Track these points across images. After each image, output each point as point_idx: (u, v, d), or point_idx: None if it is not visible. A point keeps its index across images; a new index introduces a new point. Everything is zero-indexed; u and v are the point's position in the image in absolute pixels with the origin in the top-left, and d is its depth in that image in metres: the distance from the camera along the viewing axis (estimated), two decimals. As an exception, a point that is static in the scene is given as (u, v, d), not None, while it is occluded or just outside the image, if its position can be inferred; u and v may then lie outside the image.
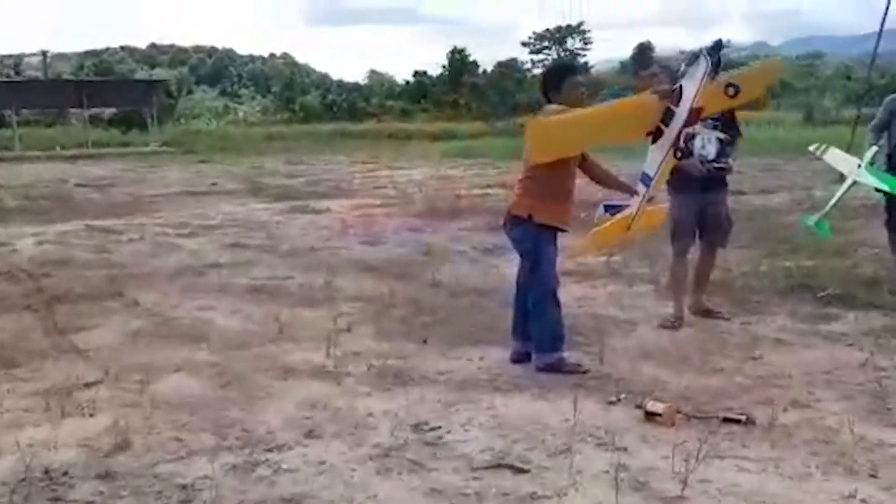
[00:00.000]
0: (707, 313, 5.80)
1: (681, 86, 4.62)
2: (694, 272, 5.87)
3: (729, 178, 5.77)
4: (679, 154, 4.88)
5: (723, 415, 3.85)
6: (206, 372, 4.79)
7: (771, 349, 5.01)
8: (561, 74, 4.88)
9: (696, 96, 4.55)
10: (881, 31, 16.00)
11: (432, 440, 3.74)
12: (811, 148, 7.17)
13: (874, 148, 6.60)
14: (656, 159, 4.86)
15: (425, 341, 5.35)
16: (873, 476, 3.24)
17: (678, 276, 5.78)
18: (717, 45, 4.59)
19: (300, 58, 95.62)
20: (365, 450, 3.65)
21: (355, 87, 56.53)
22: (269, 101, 54.98)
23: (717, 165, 5.51)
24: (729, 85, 4.72)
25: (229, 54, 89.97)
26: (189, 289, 7.12)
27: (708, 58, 4.52)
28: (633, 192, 4.95)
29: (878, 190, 6.66)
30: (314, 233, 10.50)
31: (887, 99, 6.84)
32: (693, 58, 4.66)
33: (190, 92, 57.88)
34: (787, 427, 3.75)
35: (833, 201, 6.73)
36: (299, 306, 6.38)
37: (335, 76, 67.39)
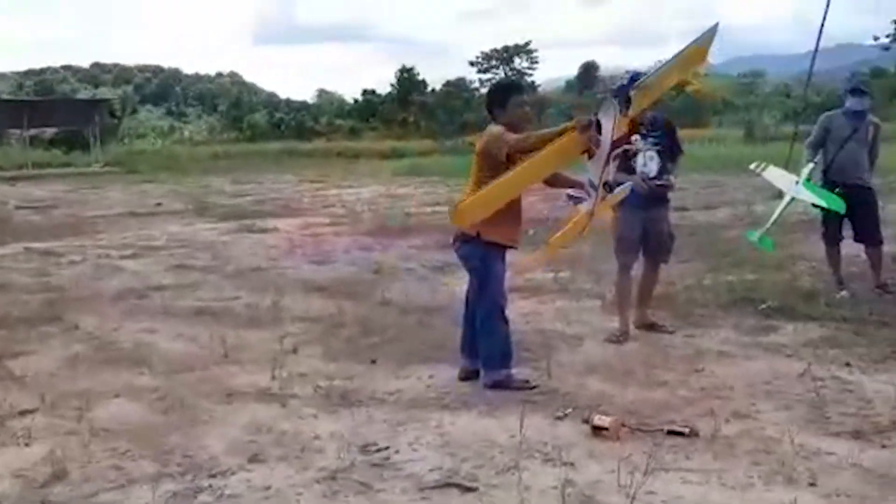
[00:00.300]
0: (651, 327, 5.88)
1: (599, 120, 4.61)
2: (638, 287, 5.96)
3: (672, 194, 5.89)
4: (608, 189, 4.98)
5: (667, 427, 3.90)
6: (147, 397, 4.68)
7: (713, 361, 5.10)
8: (506, 93, 4.91)
9: (611, 134, 4.63)
10: (816, 50, 16.54)
11: (380, 461, 3.71)
12: (751, 166, 7.35)
13: (811, 164, 6.80)
14: (595, 171, 4.83)
15: (374, 361, 5.32)
16: (812, 484, 3.31)
17: (623, 290, 5.86)
18: (623, 87, 4.67)
19: (248, 76, 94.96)
20: (311, 473, 3.60)
21: (303, 105, 56.32)
22: (215, 121, 54.39)
23: (658, 182, 5.61)
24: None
25: (175, 73, 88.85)
26: (131, 311, 6.97)
27: (615, 102, 4.60)
28: (583, 187, 4.91)
29: (815, 205, 6.85)
30: (261, 253, 10.38)
31: (822, 117, 7.07)
32: (602, 100, 4.82)
33: (134, 111, 57.02)
34: (729, 438, 3.81)
35: (774, 217, 6.91)
36: (245, 328, 6.29)
37: (283, 95, 67.12)
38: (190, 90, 78.14)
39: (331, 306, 6.87)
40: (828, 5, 16.10)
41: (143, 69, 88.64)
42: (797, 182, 6.72)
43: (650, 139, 5.61)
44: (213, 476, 3.58)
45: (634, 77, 4.77)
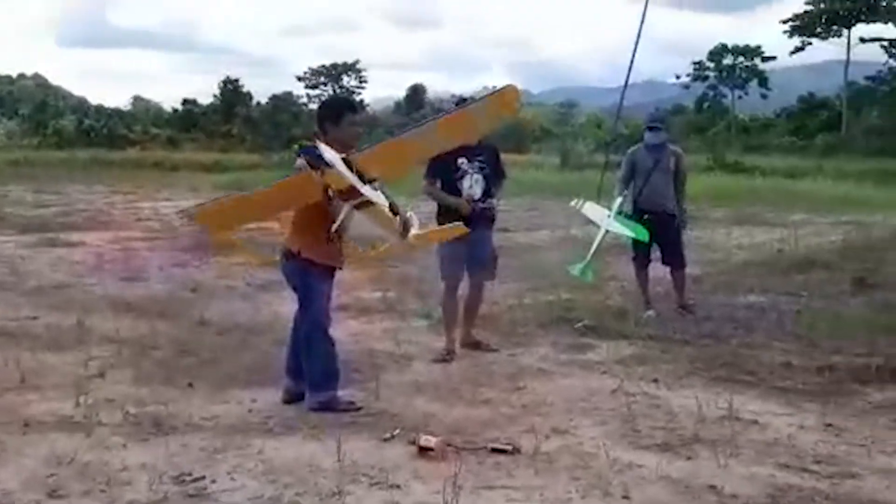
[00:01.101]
0: (476, 346, 5.99)
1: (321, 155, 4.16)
2: (463, 306, 6.06)
3: (496, 216, 6.05)
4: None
5: (491, 445, 3.95)
6: (-75, 429, 4.16)
7: (534, 379, 5.26)
8: (341, 110, 4.76)
9: (324, 188, 4.29)
10: (626, 85, 17.77)
11: (195, 492, 3.49)
12: (571, 203, 7.69)
13: (620, 199, 7.24)
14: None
15: (190, 385, 5.03)
16: (626, 497, 3.46)
17: (449, 310, 5.93)
18: (311, 150, 4.14)
19: (54, 80, 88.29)
20: (118, 507, 3.33)
21: (117, 112, 53.24)
22: (16, 125, 50.20)
23: (482, 205, 5.76)
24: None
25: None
26: None
27: (304, 158, 4.18)
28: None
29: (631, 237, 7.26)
30: (65, 268, 9.62)
31: (628, 152, 7.58)
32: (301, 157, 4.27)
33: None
34: (549, 454, 3.92)
35: (592, 250, 7.23)
36: (45, 350, 5.76)
37: (94, 100, 63.12)
38: (-14, 91, 71.58)
39: (142, 326, 6.46)
40: (637, 44, 17.30)
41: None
42: (609, 216, 7.13)
43: (476, 162, 5.74)
44: (4, 516, 3.23)
45: (458, 102, 4.80)
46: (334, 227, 4.47)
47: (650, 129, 7.45)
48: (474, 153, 5.71)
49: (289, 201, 4.65)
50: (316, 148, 4.16)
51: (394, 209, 4.63)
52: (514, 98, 4.43)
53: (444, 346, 5.83)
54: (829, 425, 4.36)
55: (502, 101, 4.43)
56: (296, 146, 4.59)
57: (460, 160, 5.67)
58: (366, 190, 4.32)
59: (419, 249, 5.05)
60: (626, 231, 7.04)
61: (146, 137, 47.22)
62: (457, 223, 5.36)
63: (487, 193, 5.81)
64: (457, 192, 5.72)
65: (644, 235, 6.91)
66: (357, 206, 4.37)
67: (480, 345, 6.01)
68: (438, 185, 5.81)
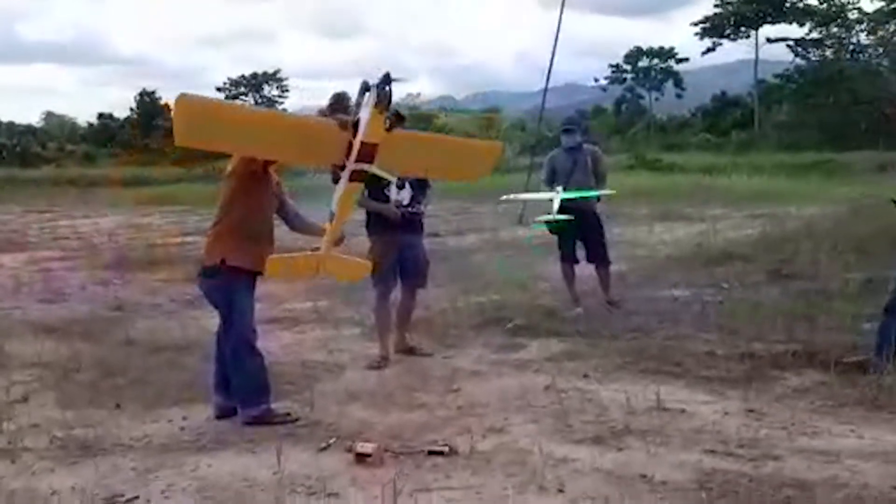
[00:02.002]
0: (411, 351, 6.02)
1: (359, 118, 4.17)
2: (396, 312, 6.08)
3: (425, 221, 6.09)
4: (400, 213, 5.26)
5: (427, 448, 3.98)
6: None
7: (468, 380, 5.31)
8: None
9: (366, 127, 4.10)
10: (546, 88, 18.09)
11: (129, 513, 3.42)
12: (503, 198, 7.80)
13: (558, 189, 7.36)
14: (338, 192, 4.51)
15: (118, 406, 4.91)
16: (561, 491, 3.53)
17: (382, 317, 5.95)
18: (386, 78, 4.03)
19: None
20: (47, 535, 3.23)
21: (29, 129, 51.35)
22: (-81, 145, 47.84)
23: (412, 210, 5.80)
24: (398, 115, 4.11)
25: None
26: None
27: (376, 89, 4.03)
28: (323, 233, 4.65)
29: (549, 223, 7.39)
30: (-20, 292, 9.23)
31: (548, 156, 7.79)
32: (364, 88, 4.14)
33: None
34: (485, 453, 3.97)
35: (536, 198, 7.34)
36: (-38, 378, 5.53)
37: (4, 118, 60.67)
38: None
39: (65, 349, 6.27)
40: (555, 48, 17.63)
41: None
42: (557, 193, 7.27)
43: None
44: (-76, 552, 3.09)
45: (386, 78, 4.09)
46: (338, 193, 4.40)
47: (565, 131, 7.67)
48: None
49: (295, 145, 4.23)
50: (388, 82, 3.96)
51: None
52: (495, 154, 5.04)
53: (378, 352, 5.84)
54: (752, 411, 4.54)
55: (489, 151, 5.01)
56: (362, 83, 4.10)
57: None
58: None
59: (322, 271, 4.64)
60: (554, 215, 7.19)
61: (61, 154, 45.68)
62: (366, 262, 5.14)
63: (415, 199, 5.85)
64: (384, 200, 5.75)
65: (562, 226, 7.21)
66: (357, 175, 4.25)
67: (415, 350, 6.04)
68: (366, 193, 5.79)
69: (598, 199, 7.55)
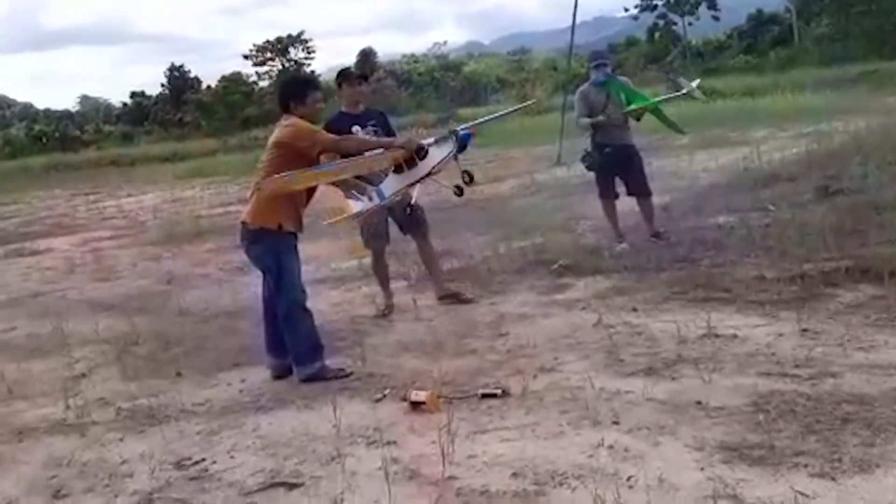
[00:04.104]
0: (454, 296, 6.08)
1: (428, 149, 5.03)
2: (423, 262, 6.25)
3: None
4: (409, 209, 5.53)
5: (481, 391, 4.03)
6: (-82, 451, 4.15)
7: (516, 323, 5.33)
8: (306, 88, 4.87)
9: (437, 166, 5.04)
10: (574, 24, 17.69)
11: (197, 474, 3.54)
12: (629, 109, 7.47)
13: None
14: (394, 186, 5.22)
15: (178, 374, 5.06)
16: (616, 423, 3.55)
17: (379, 271, 6.15)
18: (468, 136, 5.04)
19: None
20: (124, 499, 3.38)
21: (66, 114, 52.18)
22: (-35, 139, 49.05)
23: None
24: (465, 172, 5.12)
25: None
26: None
27: (456, 142, 4.96)
28: (365, 192, 5.28)
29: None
30: (36, 276, 9.55)
31: (578, 91, 7.61)
32: (445, 137, 5.08)
33: None
34: (538, 392, 4.00)
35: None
36: (28, 359, 5.76)
37: (41, 105, 61.74)
38: (-71, 107, 69.63)
39: (122, 324, 6.45)
40: (579, -19, 17.10)
41: None
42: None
43: (369, 127, 5.79)
44: (11, 523, 3.25)
45: (467, 136, 5.03)
46: (390, 196, 5.26)
47: (595, 67, 7.45)
48: (366, 119, 5.82)
49: (357, 171, 5.14)
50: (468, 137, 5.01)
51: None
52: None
53: (383, 301, 6.05)
54: (806, 330, 4.48)
55: None
56: (448, 131, 5.16)
57: (354, 128, 5.67)
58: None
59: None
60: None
61: (100, 136, 46.37)
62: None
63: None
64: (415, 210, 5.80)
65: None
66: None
67: (458, 295, 6.09)
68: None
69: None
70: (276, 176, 4.47)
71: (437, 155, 5.02)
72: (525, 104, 7.75)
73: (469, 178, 5.15)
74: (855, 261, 5.55)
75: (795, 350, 4.19)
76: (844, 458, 2.99)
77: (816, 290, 5.20)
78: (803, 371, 3.89)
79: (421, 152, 5.01)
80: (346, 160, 4.90)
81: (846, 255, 5.76)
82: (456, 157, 5.03)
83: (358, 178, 5.29)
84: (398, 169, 5.11)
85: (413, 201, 5.59)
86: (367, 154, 4.95)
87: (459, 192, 5.28)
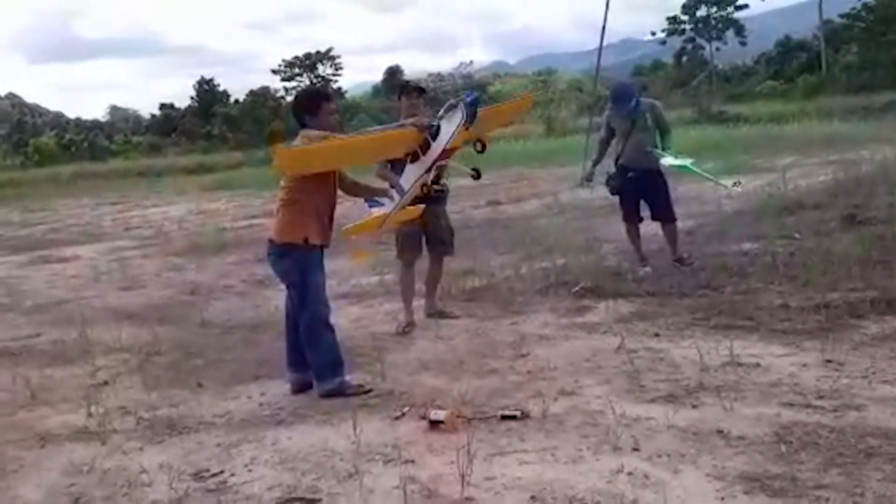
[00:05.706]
0: (441, 315, 6.20)
1: (439, 125, 4.93)
2: (425, 280, 6.29)
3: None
4: (426, 190, 5.24)
5: (500, 413, 4.02)
6: (-58, 454, 4.20)
7: (537, 345, 5.31)
8: (318, 101, 4.86)
9: (450, 139, 4.90)
10: (601, 46, 17.72)
11: (215, 486, 3.55)
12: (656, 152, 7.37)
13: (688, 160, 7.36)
14: (412, 177, 5.15)
15: (199, 385, 5.09)
16: (636, 449, 3.52)
17: (406, 284, 6.15)
18: (475, 101, 4.89)
19: (29, 97, 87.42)
20: (141, 509, 3.39)
21: (95, 124, 52.94)
22: (-4, 146, 49.92)
23: (437, 188, 5.77)
24: (478, 141, 5.08)
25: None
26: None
27: (465, 109, 4.83)
28: (386, 194, 5.27)
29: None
30: (62, 284, 9.65)
31: (604, 115, 7.59)
32: (452, 106, 4.94)
33: None
34: (558, 416, 3.98)
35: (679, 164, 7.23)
36: (51, 366, 5.81)
37: (71, 115, 62.75)
38: (-37, 115, 70.96)
39: (145, 333, 6.50)
40: (608, 5, 17.23)
41: None
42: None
43: None
44: (29, 529, 3.28)
45: (475, 101, 4.89)
46: (412, 185, 5.14)
47: (615, 101, 7.34)
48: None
49: (377, 153, 5.15)
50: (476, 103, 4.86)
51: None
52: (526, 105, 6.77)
53: (404, 318, 6.05)
54: (830, 361, 4.43)
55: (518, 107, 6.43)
56: (452, 101, 5.00)
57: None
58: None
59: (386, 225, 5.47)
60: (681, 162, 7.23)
61: (128, 147, 46.99)
62: (417, 207, 5.57)
63: (440, 177, 5.83)
64: (438, 191, 5.78)
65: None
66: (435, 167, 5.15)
67: (444, 313, 6.21)
68: (389, 166, 5.68)
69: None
70: (292, 147, 4.62)
71: (448, 129, 4.90)
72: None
73: (477, 175, 5.16)
74: (881, 292, 5.50)
75: (819, 381, 4.15)
76: (867, 492, 2.95)
77: (841, 320, 5.15)
78: (827, 402, 3.85)
79: (431, 129, 4.92)
80: (359, 132, 5.03)
81: (872, 285, 5.70)
82: (467, 127, 4.86)
83: (380, 187, 5.35)
84: (414, 157, 5.07)
85: (430, 181, 5.47)
86: (378, 127, 4.98)
87: (477, 174, 5.22)
